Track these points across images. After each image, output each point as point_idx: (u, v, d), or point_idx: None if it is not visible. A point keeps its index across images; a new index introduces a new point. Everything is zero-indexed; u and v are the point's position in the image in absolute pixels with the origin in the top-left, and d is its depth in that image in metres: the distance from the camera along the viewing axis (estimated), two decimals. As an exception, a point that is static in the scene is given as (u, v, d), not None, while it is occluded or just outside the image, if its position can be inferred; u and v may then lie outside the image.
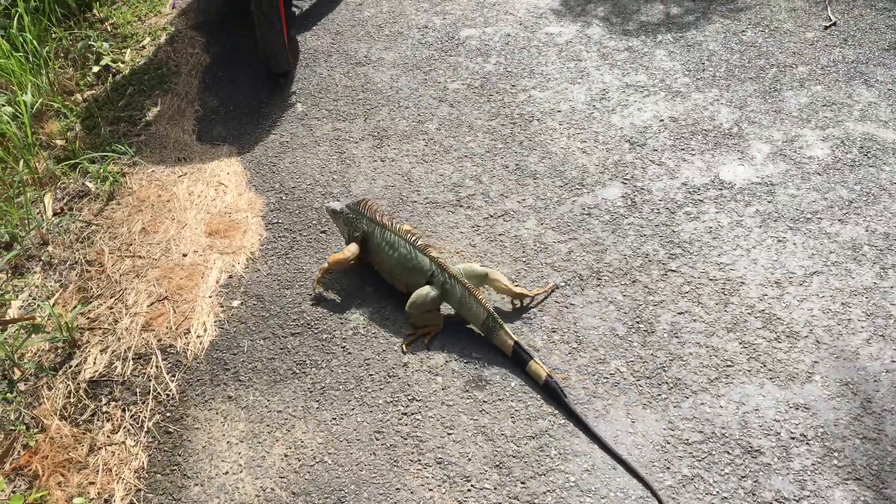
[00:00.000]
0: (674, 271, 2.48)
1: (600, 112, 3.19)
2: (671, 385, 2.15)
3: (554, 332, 2.35)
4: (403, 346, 2.37)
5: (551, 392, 2.18)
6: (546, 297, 2.45)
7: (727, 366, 2.18)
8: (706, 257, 2.50)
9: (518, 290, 2.41)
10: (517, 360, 2.26)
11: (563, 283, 2.49)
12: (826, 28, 3.50)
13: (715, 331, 2.27)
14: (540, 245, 2.64)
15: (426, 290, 2.38)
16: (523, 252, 2.63)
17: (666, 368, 2.19)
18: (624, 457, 2.01)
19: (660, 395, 2.13)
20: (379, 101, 3.42)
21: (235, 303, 2.61)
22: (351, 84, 3.55)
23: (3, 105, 3.34)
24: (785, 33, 3.49)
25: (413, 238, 2.47)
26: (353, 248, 2.57)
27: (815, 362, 2.19)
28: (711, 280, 2.43)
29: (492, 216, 2.79)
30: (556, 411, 2.15)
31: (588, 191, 2.82)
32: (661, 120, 3.10)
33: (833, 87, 3.15)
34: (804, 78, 3.21)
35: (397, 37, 3.83)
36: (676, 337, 2.27)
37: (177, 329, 2.55)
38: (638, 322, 2.33)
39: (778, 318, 2.29)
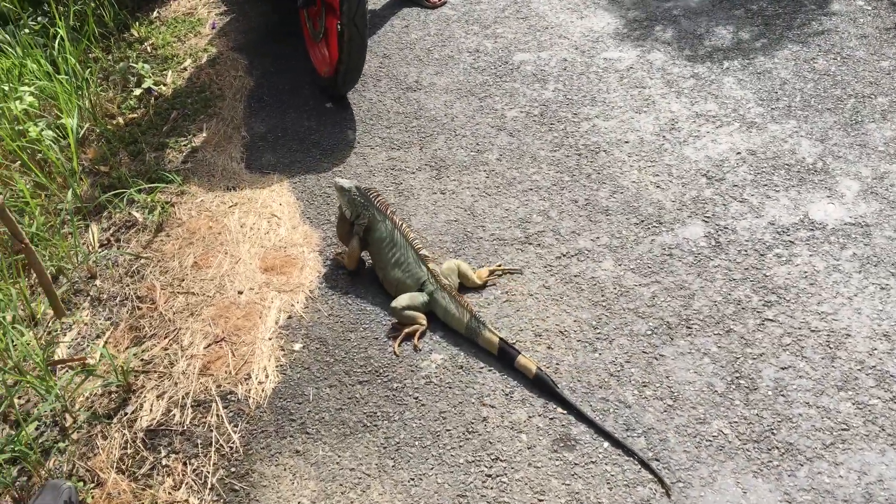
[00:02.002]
0: (771, 320, 2.31)
1: (671, 143, 3.04)
2: (782, 451, 1.98)
3: (645, 386, 2.19)
4: (395, 349, 2.38)
5: (542, 384, 2.21)
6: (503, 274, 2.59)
7: (842, 429, 2.01)
8: (805, 305, 2.34)
9: (483, 277, 2.55)
10: (504, 358, 2.29)
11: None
12: (902, 56, 3.34)
13: (824, 389, 2.11)
14: (620, 288, 2.49)
15: (417, 295, 2.46)
16: (602, 296, 2.48)
17: (774, 431, 2.02)
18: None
19: (771, 461, 1.97)
20: (434, 129, 3.28)
21: (297, 346, 2.46)
22: (403, 111, 3.41)
23: (45, 129, 3.22)
24: (858, 62, 3.34)
25: (415, 242, 2.52)
26: (355, 244, 2.62)
27: (934, 424, 2.03)
28: (813, 331, 2.26)
29: (564, 255, 2.64)
30: (655, 478, 1.98)
31: (667, 229, 2.67)
32: (739, 153, 2.94)
33: (917, 119, 3.00)
34: (885, 110, 3.06)
35: (448, 61, 3.69)
36: (782, 395, 2.11)
37: (236, 374, 2.40)
38: (738, 377, 2.17)
39: (892, 376, 2.12)
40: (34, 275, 2.84)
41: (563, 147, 3.09)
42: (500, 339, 2.29)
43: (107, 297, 2.72)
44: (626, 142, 3.08)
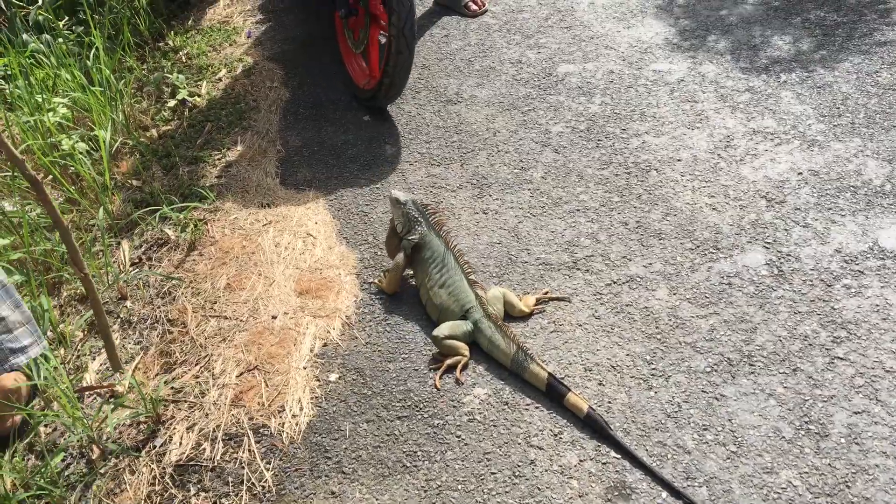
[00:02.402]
0: (841, 359, 2.15)
1: (727, 162, 2.87)
2: (860, 507, 1.82)
3: (706, 429, 2.03)
4: (436, 382, 2.25)
5: (594, 425, 2.07)
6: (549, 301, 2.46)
7: (926, 485, 1.84)
8: (878, 342, 2.17)
9: (530, 305, 2.42)
10: (553, 395, 2.16)
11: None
12: (973, 69, 3.14)
13: (903, 438, 1.94)
14: (676, 320, 2.34)
15: (461, 323, 2.33)
16: (657, 328, 2.33)
17: (850, 484, 1.86)
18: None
19: (847, 519, 1.81)
20: (475, 145, 3.15)
21: (333, 376, 2.35)
22: (443, 124, 3.29)
23: (78, 142, 3.15)
24: (926, 74, 3.15)
25: (466, 268, 2.40)
26: (400, 261, 2.51)
27: None
28: (888, 372, 2.09)
29: (615, 282, 2.49)
30: (719, 530, 1.83)
31: (725, 255, 2.51)
32: (800, 173, 2.77)
33: None
34: (958, 127, 2.86)
35: (489, 72, 3.56)
36: (856, 444, 1.94)
37: (270, 406, 2.29)
38: (807, 422, 2.01)
39: (979, 426, 1.95)
40: (63, 294, 2.77)
41: (612, 165, 2.94)
42: (549, 374, 2.16)
43: (137, 319, 2.64)
44: (679, 160, 2.92)
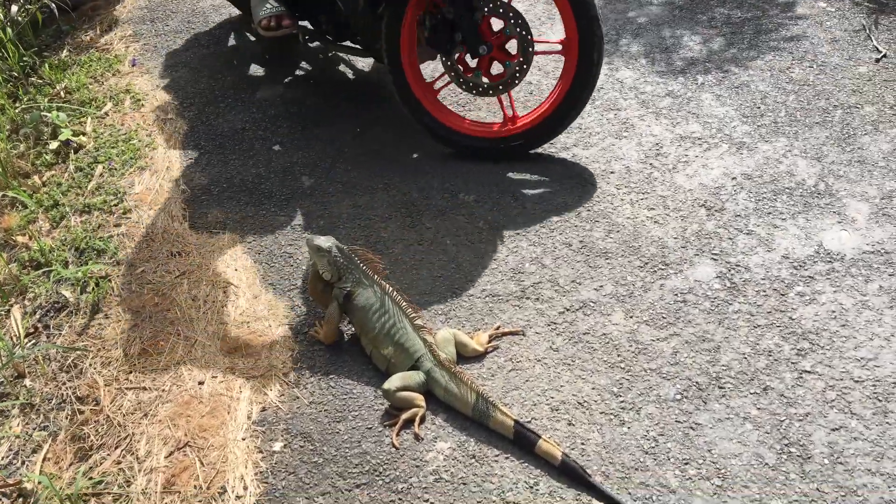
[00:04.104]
0: (809, 372, 2.10)
1: (660, 171, 2.81)
2: (857, 533, 1.76)
3: (686, 463, 1.93)
4: (393, 440, 2.06)
5: (571, 472, 1.92)
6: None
7: (917, 500, 1.80)
8: (841, 352, 2.14)
9: (483, 343, 2.26)
10: (523, 443, 1.99)
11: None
12: (877, 61, 3.21)
13: (884, 451, 1.90)
14: (636, 345, 2.23)
15: (413, 374, 2.14)
16: (618, 355, 2.22)
17: (842, 508, 1.80)
18: None
19: (846, 547, 1.74)
20: (398, 170, 2.97)
21: (277, 446, 2.11)
22: (362, 150, 3.09)
23: (-53, 199, 2.77)
24: (836, 69, 3.19)
25: (410, 311, 2.21)
26: (333, 311, 2.30)
27: None
28: (857, 382, 2.06)
29: (568, 309, 2.37)
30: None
31: (675, 271, 2.43)
32: (734, 178, 2.74)
33: (909, 129, 2.85)
34: (876, 120, 2.91)
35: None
36: (840, 463, 1.89)
37: (208, 488, 2.03)
38: (787, 445, 1.94)
39: (955, 430, 1.93)
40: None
41: (545, 182, 2.83)
42: (515, 421, 2.00)
43: (40, 400, 2.32)
44: (612, 172, 2.83)
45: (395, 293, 2.25)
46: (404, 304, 2.24)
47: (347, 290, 2.27)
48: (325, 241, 2.30)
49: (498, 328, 2.32)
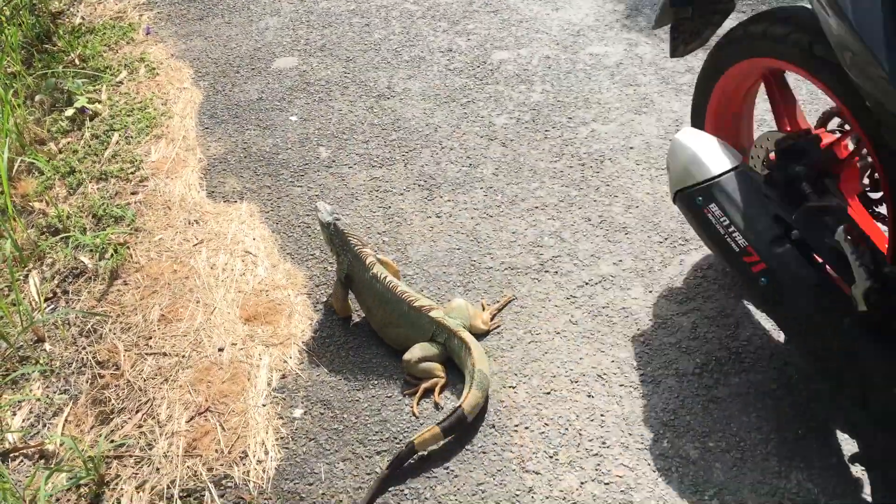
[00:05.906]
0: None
1: (680, 148, 2.79)
2: None
3: (706, 436, 1.94)
4: (413, 409, 2.06)
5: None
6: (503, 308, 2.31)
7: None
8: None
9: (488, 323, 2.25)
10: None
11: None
12: None
13: None
14: (657, 320, 2.24)
15: (429, 344, 2.15)
16: (638, 329, 2.22)
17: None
18: None
19: (866, 519, 1.75)
20: (417, 142, 2.96)
21: (298, 412, 2.13)
22: (379, 122, 3.08)
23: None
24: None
25: (406, 296, 2.18)
26: (338, 288, 2.31)
27: None
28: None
29: (587, 283, 2.37)
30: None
31: (695, 247, 2.43)
32: (754, 156, 2.72)
33: None
34: None
35: (420, 63, 3.36)
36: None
37: (230, 452, 2.05)
38: (807, 420, 1.95)
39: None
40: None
41: (564, 157, 2.82)
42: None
43: (60, 364, 2.33)
44: (632, 147, 2.82)
45: (388, 278, 2.22)
46: (399, 290, 2.20)
47: (345, 271, 2.28)
48: (327, 215, 2.31)
49: (499, 302, 2.31)
